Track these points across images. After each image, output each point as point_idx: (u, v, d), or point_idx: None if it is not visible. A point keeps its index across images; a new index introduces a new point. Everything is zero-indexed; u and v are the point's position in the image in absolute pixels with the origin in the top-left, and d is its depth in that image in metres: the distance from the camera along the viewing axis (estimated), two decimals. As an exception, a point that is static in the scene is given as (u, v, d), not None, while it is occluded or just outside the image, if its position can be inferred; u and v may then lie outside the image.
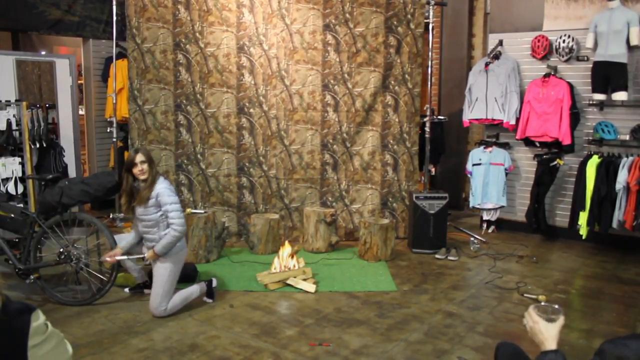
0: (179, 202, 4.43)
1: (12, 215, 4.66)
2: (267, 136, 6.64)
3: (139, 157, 4.36)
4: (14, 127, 5.91)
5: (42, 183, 5.81)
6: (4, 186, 5.78)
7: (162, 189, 4.37)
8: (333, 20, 6.54)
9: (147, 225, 4.42)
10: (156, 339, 4.03)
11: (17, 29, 8.01)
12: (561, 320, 2.12)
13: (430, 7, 6.74)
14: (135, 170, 4.36)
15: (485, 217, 7.21)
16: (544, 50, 6.67)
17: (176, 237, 4.31)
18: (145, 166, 4.35)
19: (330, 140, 6.70)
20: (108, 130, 7.62)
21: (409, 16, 6.64)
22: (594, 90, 6.29)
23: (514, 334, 4.13)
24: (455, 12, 8.21)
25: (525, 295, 4.94)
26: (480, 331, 4.22)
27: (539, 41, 6.71)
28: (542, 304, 2.22)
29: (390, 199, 6.84)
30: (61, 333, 1.76)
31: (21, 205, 5.58)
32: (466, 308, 4.68)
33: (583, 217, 6.23)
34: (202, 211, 6.05)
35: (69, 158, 7.17)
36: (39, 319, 1.66)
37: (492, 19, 7.43)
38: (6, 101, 6.29)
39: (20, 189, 5.94)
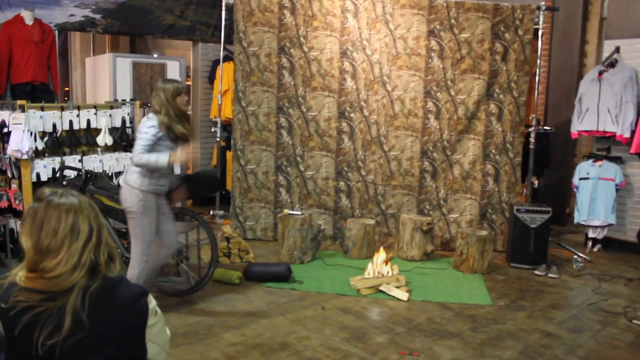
0: None
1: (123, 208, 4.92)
2: (367, 141, 6.63)
3: (186, 89, 4.19)
4: (127, 124, 6.26)
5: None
6: (116, 179, 6.13)
7: None
8: (438, 26, 6.44)
9: None
10: (248, 334, 4.13)
11: (135, 33, 8.51)
12: None
13: (541, 12, 6.48)
14: (181, 100, 4.14)
15: (591, 235, 6.82)
16: (666, 59, 6.24)
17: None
18: (188, 97, 4.23)
19: (430, 148, 6.59)
20: (212, 130, 7.92)
21: (517, 22, 6.42)
22: None
23: (619, 361, 3.89)
24: (567, 18, 7.84)
25: (634, 321, 4.61)
26: (581, 355, 3.99)
27: (660, 49, 6.27)
28: None
29: (489, 210, 6.63)
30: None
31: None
32: (566, 329, 4.44)
33: (703, 240, 5.76)
34: (299, 213, 6.13)
35: (175, 155, 7.48)
36: (152, 301, 1.81)
37: (608, 24, 7.03)
38: (122, 100, 6.69)
39: (130, 182, 6.27)
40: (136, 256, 4.19)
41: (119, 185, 4.91)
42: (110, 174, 6.03)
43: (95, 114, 5.97)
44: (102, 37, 9.66)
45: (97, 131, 5.98)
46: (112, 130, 6.09)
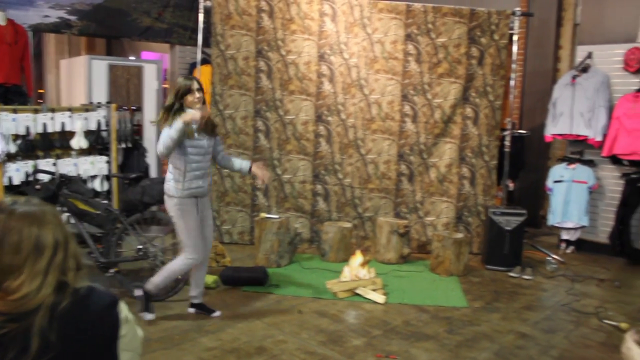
0: None
1: (98, 212, 4.88)
2: (344, 144, 6.65)
3: (196, 85, 4.09)
4: (103, 127, 6.20)
5: (126, 182, 6.06)
6: (91, 183, 6.07)
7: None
8: (415, 30, 6.49)
9: (201, 154, 4.24)
10: (225, 339, 4.11)
11: (111, 35, 8.44)
12: None
13: (516, 17, 6.56)
14: (192, 98, 4.07)
15: (564, 237, 6.92)
16: (638, 63, 6.34)
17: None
18: (201, 94, 4.12)
19: (407, 151, 6.63)
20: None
21: (493, 27, 6.50)
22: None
23: (591, 361, 3.95)
24: (542, 23, 7.96)
25: (605, 321, 4.69)
26: (555, 355, 4.04)
27: (632, 54, 6.38)
28: None
29: (465, 213, 6.69)
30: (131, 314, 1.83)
31: (106, 202, 5.85)
32: (540, 330, 4.50)
33: (673, 242, 5.87)
34: (276, 216, 6.12)
35: (151, 159, 7.45)
36: (122, 310, 1.72)
37: (581, 30, 7.15)
38: (97, 103, 6.62)
39: (106, 186, 6.22)
40: (182, 255, 4.28)
41: (93, 189, 4.84)
42: (84, 178, 5.96)
43: (70, 116, 5.91)
44: (78, 38, 9.58)
45: (72, 134, 5.91)
46: (88, 134, 6.03)
